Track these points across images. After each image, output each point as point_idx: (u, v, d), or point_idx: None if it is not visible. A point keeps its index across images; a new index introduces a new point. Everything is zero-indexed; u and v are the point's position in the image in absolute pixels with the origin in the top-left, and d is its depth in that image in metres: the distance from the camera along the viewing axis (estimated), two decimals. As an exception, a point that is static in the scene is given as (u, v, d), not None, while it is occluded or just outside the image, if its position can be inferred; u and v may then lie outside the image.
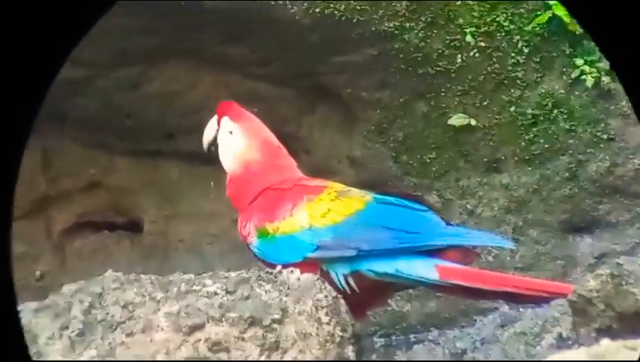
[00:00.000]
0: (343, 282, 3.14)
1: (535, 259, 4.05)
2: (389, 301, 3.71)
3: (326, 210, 3.25)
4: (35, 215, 4.44)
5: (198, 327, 2.50)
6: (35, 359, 2.48)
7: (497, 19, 3.97)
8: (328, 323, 2.63)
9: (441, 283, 3.13)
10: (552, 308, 3.12)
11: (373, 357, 3.65)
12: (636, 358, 2.04)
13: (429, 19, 3.95)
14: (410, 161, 4.10)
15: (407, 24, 3.95)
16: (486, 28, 3.97)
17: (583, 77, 3.94)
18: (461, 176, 4.09)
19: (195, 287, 2.64)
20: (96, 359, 2.46)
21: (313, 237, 3.20)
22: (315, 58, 4.05)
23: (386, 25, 3.93)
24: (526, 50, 3.97)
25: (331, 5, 3.88)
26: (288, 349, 2.53)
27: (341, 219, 3.22)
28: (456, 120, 4.03)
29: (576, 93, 3.97)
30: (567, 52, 3.97)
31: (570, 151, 3.99)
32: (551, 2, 3.93)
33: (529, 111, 3.99)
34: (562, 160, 4.00)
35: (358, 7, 3.89)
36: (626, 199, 4.00)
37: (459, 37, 3.98)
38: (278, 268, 2.79)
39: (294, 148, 3.83)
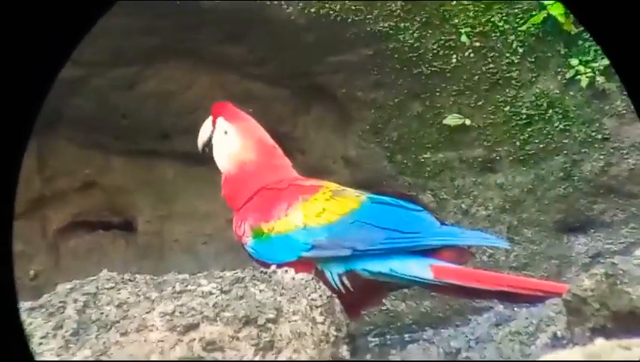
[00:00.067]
0: (337, 281, 3.14)
1: (530, 259, 4.05)
2: (384, 300, 3.72)
3: (321, 209, 3.25)
4: (31, 214, 4.44)
5: (193, 327, 2.50)
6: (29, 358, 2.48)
7: (492, 19, 3.98)
8: (323, 323, 2.63)
9: (435, 282, 3.13)
10: (547, 307, 3.12)
11: (368, 357, 3.65)
12: (632, 358, 2.04)
13: (423, 20, 3.95)
14: (405, 161, 4.10)
15: (402, 24, 3.95)
16: (481, 28, 3.98)
17: (578, 77, 3.95)
18: (456, 175, 4.09)
19: (189, 287, 2.63)
20: (90, 358, 2.46)
21: (308, 237, 3.21)
22: (311, 58, 4.05)
23: (381, 25, 3.94)
24: (521, 50, 3.98)
25: (326, 5, 3.88)
26: (283, 349, 2.52)
27: (336, 218, 3.22)
28: (451, 120, 4.03)
29: (571, 93, 3.97)
30: (562, 52, 3.98)
31: (564, 151, 3.99)
32: (546, 2, 3.93)
33: (524, 111, 4.00)
34: (557, 160, 4.00)
35: (353, 7, 3.90)
36: (621, 199, 4.00)
37: (454, 37, 3.98)
38: (273, 267, 2.79)
39: (289, 148, 3.84)
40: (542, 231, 4.05)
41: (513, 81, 3.99)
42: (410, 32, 3.95)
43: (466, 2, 3.96)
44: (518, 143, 4.02)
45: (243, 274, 2.70)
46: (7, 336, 2.43)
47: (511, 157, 4.03)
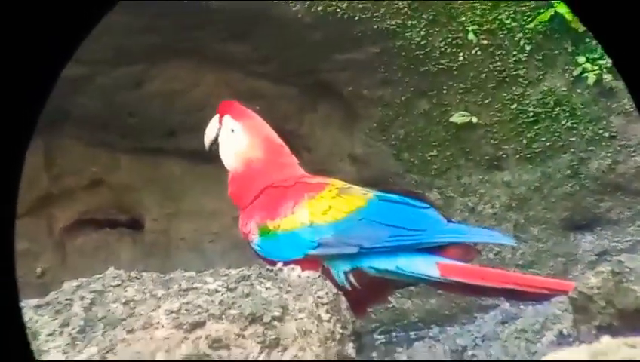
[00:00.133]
0: (343, 279, 3.15)
1: (536, 257, 4.04)
2: (390, 298, 3.72)
3: (327, 207, 3.25)
4: (37, 213, 4.45)
5: (199, 324, 2.50)
6: (35, 356, 2.48)
7: (499, 16, 3.97)
8: (329, 321, 2.64)
9: (441, 280, 3.14)
10: (553, 305, 3.12)
11: (374, 354, 3.65)
12: (638, 356, 2.04)
13: (431, 17, 3.95)
14: (412, 159, 4.10)
15: (409, 22, 3.95)
16: (488, 26, 3.97)
17: (585, 75, 3.94)
18: (462, 173, 4.08)
19: (195, 285, 2.64)
20: (96, 356, 2.46)
21: (314, 235, 3.21)
22: (317, 56, 4.05)
23: (388, 23, 3.93)
24: (528, 48, 3.97)
25: (333, 3, 3.88)
26: (289, 346, 2.53)
27: (342, 216, 3.22)
28: (458, 118, 4.02)
29: (578, 90, 3.97)
30: (570, 50, 3.97)
31: (571, 149, 3.98)
32: (553, 0, 3.92)
33: (531, 108, 3.99)
34: (564, 157, 3.99)
35: (360, 5, 3.89)
36: (627, 196, 3.99)
37: (461, 35, 3.97)
38: (279, 265, 2.80)
39: (296, 146, 3.84)
40: (548, 228, 4.04)
41: (520, 79, 3.98)
42: (417, 29, 3.95)
43: (473, 0, 3.96)
44: (524, 141, 4.01)
45: (249, 271, 2.71)
46: (9, 335, 2.44)
47: (518, 155, 4.03)
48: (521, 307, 3.40)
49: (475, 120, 4.02)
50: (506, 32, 3.97)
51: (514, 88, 4.00)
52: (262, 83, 4.21)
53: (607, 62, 3.90)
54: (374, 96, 4.07)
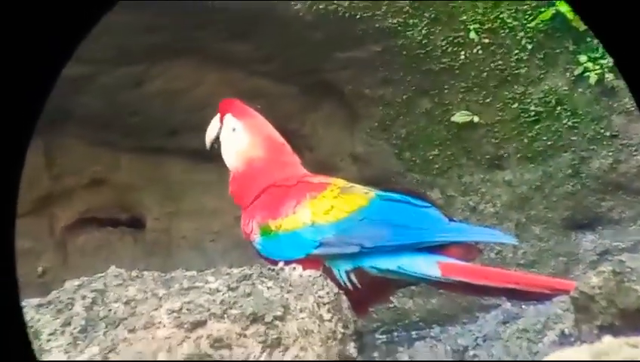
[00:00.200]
0: (345, 279, 3.14)
1: (537, 256, 4.04)
2: (391, 298, 3.71)
3: (329, 206, 3.24)
4: (39, 212, 4.45)
5: (200, 324, 2.50)
6: (37, 355, 2.48)
7: (501, 15, 3.97)
8: (330, 320, 2.63)
9: (443, 279, 3.13)
10: (555, 304, 3.11)
11: (375, 354, 3.64)
12: (638, 357, 2.04)
13: (432, 16, 3.95)
14: (413, 158, 4.10)
15: (411, 21, 3.95)
16: (490, 24, 3.97)
17: (587, 74, 3.94)
18: (464, 172, 4.08)
19: (197, 284, 2.64)
20: (98, 355, 2.46)
21: (316, 234, 3.20)
22: (319, 55, 4.05)
23: (390, 21, 3.93)
24: (529, 47, 3.97)
25: (335, 2, 3.88)
26: (290, 346, 2.52)
27: (344, 215, 3.22)
28: (460, 117, 4.02)
29: (580, 89, 3.97)
30: (571, 49, 3.97)
31: (573, 148, 3.98)
32: (554, -1, 3.94)
33: (532, 108, 3.99)
34: (565, 157, 3.99)
35: (362, 4, 3.89)
36: (629, 196, 3.99)
37: (462, 34, 3.97)
38: (280, 264, 2.79)
39: (297, 145, 3.83)
40: (550, 228, 4.04)
41: (522, 78, 3.98)
42: (419, 28, 3.95)
43: (474, -1, 3.97)
44: (526, 140, 4.01)
45: (250, 271, 2.70)
46: (10, 335, 2.44)
47: (519, 155, 4.03)
48: (523, 306, 3.39)
49: (476, 119, 4.02)
50: (507, 30, 3.97)
51: (515, 87, 4.00)
52: (263, 82, 4.21)
53: (608, 61, 3.90)
54: (376, 95, 4.07)
